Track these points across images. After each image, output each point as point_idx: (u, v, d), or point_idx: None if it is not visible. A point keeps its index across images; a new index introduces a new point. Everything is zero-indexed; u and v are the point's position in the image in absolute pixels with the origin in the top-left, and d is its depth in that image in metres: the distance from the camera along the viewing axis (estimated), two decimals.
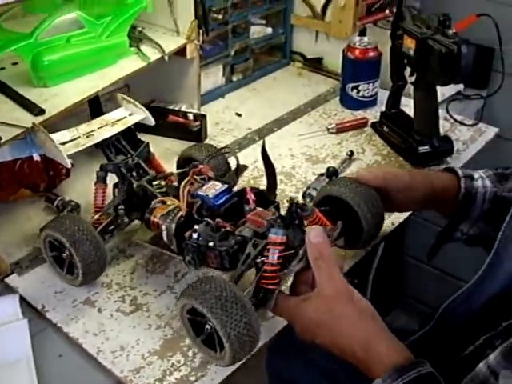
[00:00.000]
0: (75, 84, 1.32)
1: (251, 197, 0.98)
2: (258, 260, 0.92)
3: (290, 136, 1.57)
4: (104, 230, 1.10)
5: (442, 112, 1.67)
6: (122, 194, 1.12)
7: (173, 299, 1.09)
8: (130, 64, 1.40)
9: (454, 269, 2.20)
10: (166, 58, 1.42)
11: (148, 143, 1.18)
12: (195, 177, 1.04)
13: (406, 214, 1.34)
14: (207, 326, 0.87)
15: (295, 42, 1.94)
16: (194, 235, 0.95)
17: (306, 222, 0.98)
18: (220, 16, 1.67)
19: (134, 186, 1.10)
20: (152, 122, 1.21)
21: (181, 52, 1.49)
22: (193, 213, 0.99)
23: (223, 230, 0.96)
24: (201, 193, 1.00)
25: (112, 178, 1.16)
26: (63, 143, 1.11)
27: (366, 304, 0.88)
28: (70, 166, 1.11)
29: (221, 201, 0.99)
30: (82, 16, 1.32)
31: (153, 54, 1.42)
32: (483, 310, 1.00)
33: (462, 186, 1.08)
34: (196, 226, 0.96)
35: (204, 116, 1.52)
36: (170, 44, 1.47)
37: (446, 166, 1.46)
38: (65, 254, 1.05)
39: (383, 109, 1.60)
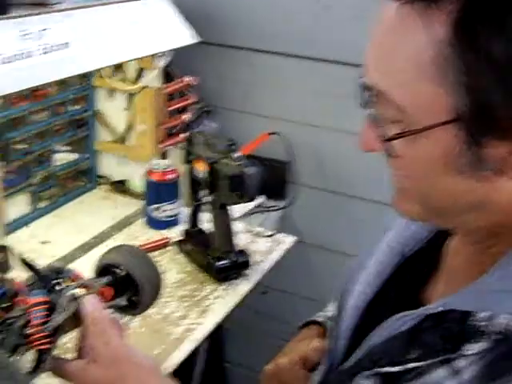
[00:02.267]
0: None
1: (19, 287, 0.99)
2: (28, 331, 0.92)
3: (96, 261, 1.60)
4: None
5: (243, 225, 1.79)
6: None
7: None
8: None
9: None
10: None
11: None
12: None
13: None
14: None
15: (100, 165, 2.00)
16: None
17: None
18: (23, 146, 1.70)
19: None
20: None
21: None
22: None
23: None
24: None
25: None
26: None
27: (148, 362, 0.90)
28: None
29: None
30: None
31: None
32: None
33: None
34: None
35: (4, 247, 1.53)
36: None
37: (247, 278, 1.55)
38: None
39: (186, 227, 1.68)
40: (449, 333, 0.66)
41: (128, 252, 1.09)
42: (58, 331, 0.94)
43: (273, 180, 1.99)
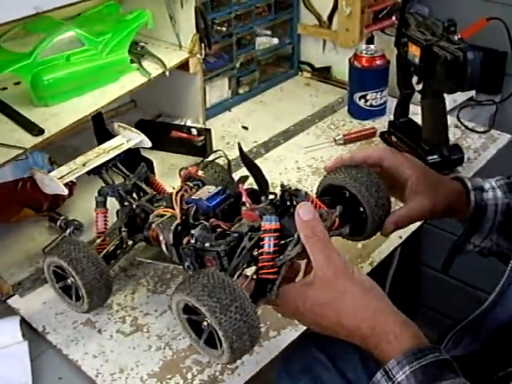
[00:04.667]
0: (76, 102, 1.31)
1: (246, 196, 0.94)
2: (256, 253, 0.89)
3: (297, 148, 1.55)
4: (108, 254, 1.09)
5: (453, 119, 1.65)
6: (124, 217, 1.09)
7: (173, 319, 1.07)
8: (131, 80, 1.38)
9: (473, 279, 2.15)
10: (167, 73, 1.40)
11: (145, 164, 1.16)
12: (189, 183, 1.02)
13: (416, 225, 1.32)
14: (204, 323, 0.83)
15: (303, 51, 1.92)
16: (192, 240, 0.93)
17: None
18: (224, 28, 1.66)
19: (134, 206, 1.08)
20: (148, 144, 1.20)
21: (184, 66, 1.48)
22: (188, 219, 0.96)
23: (219, 230, 0.93)
24: (194, 197, 0.98)
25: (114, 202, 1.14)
26: (61, 177, 1.10)
27: (368, 280, 0.84)
28: (66, 193, 1.10)
29: (214, 202, 0.96)
30: (81, 34, 1.31)
31: (154, 70, 1.41)
32: (492, 338, 0.96)
33: (471, 200, 1.03)
34: (192, 231, 0.93)
35: (208, 130, 1.50)
36: (173, 58, 1.46)
37: (456, 175, 1.43)
38: (69, 281, 1.03)
39: (392, 118, 1.57)
40: None
41: (356, 174, 0.99)
42: (286, 263, 0.89)
43: (488, 72, 1.81)
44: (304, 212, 0.83)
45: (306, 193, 0.93)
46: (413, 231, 1.32)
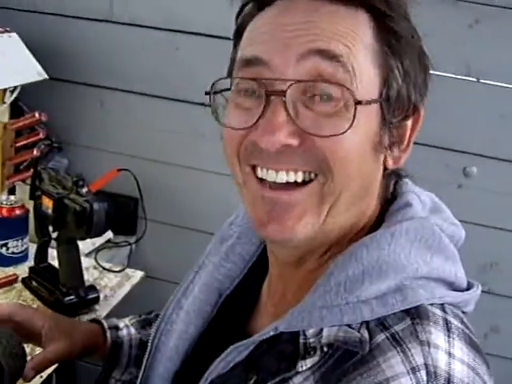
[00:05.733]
0: None
1: None
2: None
3: None
4: None
5: (91, 261, 1.80)
6: None
7: None
8: None
9: None
10: None
11: None
12: None
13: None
14: None
15: None
16: None
17: None
18: None
19: None
20: None
21: None
22: None
23: None
24: None
25: None
26: None
27: None
28: None
29: None
30: None
31: None
32: None
33: (108, 338, 1.14)
34: None
35: None
36: None
37: (95, 313, 1.57)
38: None
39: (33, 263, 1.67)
40: (283, 354, 0.71)
41: None
42: None
43: (122, 216, 2.02)
44: None
45: None
46: (56, 368, 1.40)
